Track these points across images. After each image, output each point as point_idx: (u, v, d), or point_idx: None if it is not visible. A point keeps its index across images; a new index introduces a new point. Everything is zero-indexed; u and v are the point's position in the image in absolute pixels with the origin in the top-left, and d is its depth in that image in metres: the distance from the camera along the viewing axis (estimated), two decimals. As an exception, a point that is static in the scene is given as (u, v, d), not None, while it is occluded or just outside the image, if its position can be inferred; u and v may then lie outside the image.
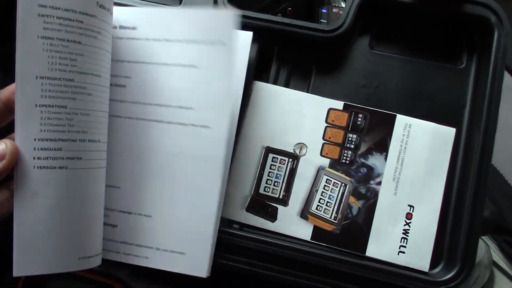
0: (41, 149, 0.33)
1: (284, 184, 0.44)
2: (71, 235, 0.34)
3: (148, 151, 0.40)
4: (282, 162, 0.45)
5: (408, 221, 0.43)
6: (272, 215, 0.44)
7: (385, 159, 0.44)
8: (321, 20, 0.55)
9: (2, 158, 0.32)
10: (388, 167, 0.44)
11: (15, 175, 0.33)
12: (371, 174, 0.44)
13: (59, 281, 0.41)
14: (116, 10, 0.39)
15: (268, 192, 0.44)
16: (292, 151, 0.45)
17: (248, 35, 0.43)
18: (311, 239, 0.43)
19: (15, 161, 0.32)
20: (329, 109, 0.45)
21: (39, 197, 0.33)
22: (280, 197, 0.44)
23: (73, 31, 0.33)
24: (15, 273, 0.32)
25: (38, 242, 0.33)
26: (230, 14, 0.39)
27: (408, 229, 0.43)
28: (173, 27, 0.40)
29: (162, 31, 0.40)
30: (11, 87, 0.35)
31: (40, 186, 0.33)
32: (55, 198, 0.33)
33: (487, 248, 0.48)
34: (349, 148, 0.45)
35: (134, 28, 0.40)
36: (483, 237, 0.50)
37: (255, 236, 0.42)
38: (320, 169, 0.44)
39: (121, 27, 0.41)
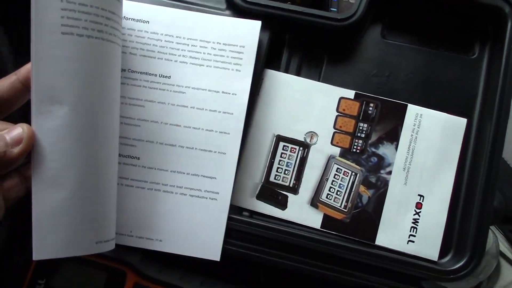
0: None
1: (294, 173, 0.44)
2: (89, 219, 0.34)
3: (166, 135, 0.42)
4: (293, 150, 0.45)
5: (418, 210, 0.43)
6: (282, 203, 0.44)
7: (396, 148, 0.44)
8: (331, 9, 0.54)
9: (19, 143, 0.31)
10: (399, 157, 0.44)
11: (32, 159, 0.33)
12: (381, 163, 0.44)
13: (70, 267, 0.41)
14: (135, 5, 0.43)
15: (279, 180, 0.44)
16: (302, 140, 0.45)
17: (256, 24, 0.43)
18: (321, 228, 0.44)
19: (31, 145, 0.32)
20: (340, 98, 0.45)
21: (58, 182, 0.33)
22: (291, 185, 0.44)
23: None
24: (35, 257, 0.32)
25: (58, 226, 0.33)
26: (255, 24, 0.43)
27: (418, 219, 0.43)
28: (196, 28, 0.43)
29: (185, 30, 0.43)
30: (29, 66, 0.35)
31: (58, 170, 0.33)
32: (75, 182, 0.33)
33: (495, 238, 0.48)
34: (360, 137, 0.45)
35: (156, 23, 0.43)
36: (490, 227, 0.51)
37: (265, 224, 0.43)
38: (330, 158, 0.44)
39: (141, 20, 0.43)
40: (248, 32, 0.43)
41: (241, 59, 0.43)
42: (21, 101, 0.36)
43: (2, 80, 0.35)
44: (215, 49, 0.43)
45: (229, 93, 0.42)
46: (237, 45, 0.43)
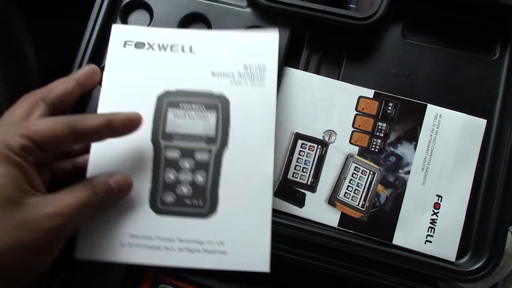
0: None
1: (312, 171, 0.45)
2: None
3: None
4: (311, 148, 0.45)
5: (435, 210, 0.43)
6: (299, 201, 0.44)
7: (415, 148, 0.44)
8: (350, 6, 0.54)
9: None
10: (417, 157, 0.44)
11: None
12: (400, 163, 0.44)
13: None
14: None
15: (297, 178, 0.45)
16: (321, 138, 0.45)
17: (274, 36, 0.44)
18: (338, 226, 0.44)
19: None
20: (359, 97, 0.45)
21: None
22: (308, 183, 0.44)
23: None
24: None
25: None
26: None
27: (436, 219, 0.43)
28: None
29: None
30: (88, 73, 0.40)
31: None
32: None
33: (513, 239, 0.48)
34: (378, 137, 0.45)
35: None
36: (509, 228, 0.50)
37: (282, 221, 0.43)
38: (349, 157, 0.45)
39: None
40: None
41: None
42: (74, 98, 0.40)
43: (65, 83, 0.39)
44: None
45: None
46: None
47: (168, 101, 0.41)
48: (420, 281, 0.42)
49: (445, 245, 0.43)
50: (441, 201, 0.43)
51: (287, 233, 0.42)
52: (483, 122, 0.44)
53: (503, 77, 0.45)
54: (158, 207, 0.40)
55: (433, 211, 0.43)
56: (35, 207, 0.30)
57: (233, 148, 0.41)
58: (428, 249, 0.43)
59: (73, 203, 0.31)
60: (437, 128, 0.44)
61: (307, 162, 0.45)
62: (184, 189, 0.40)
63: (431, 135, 0.44)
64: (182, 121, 0.41)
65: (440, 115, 0.44)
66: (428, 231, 0.43)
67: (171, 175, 0.40)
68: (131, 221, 0.38)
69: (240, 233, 0.40)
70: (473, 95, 0.45)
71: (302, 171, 0.45)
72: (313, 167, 0.45)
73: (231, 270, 0.39)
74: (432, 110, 0.45)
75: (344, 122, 0.45)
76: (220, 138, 0.41)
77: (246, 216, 0.40)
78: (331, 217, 0.44)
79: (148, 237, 0.38)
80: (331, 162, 0.45)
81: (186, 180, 0.40)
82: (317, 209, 0.44)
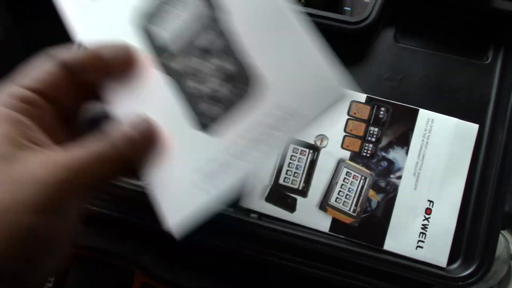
0: None
1: (304, 175, 0.44)
2: None
3: None
4: (303, 153, 0.45)
5: (427, 216, 0.43)
6: (291, 206, 0.44)
7: (406, 153, 0.44)
8: (345, 8, 0.54)
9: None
10: (409, 162, 0.44)
11: None
12: (391, 168, 0.44)
13: (79, 266, 0.41)
14: None
15: (288, 183, 0.44)
16: (313, 143, 0.45)
17: None
18: (329, 231, 0.44)
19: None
20: (351, 102, 0.45)
21: None
22: (300, 188, 0.44)
23: None
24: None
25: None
26: None
27: (427, 224, 0.43)
28: None
29: None
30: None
31: None
32: None
33: (506, 243, 0.48)
34: (370, 141, 0.44)
35: None
36: (502, 232, 0.50)
37: (273, 226, 0.43)
38: (340, 162, 0.44)
39: None
40: None
41: None
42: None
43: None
44: None
45: None
46: None
47: (146, 20, 0.33)
48: (411, 287, 0.42)
49: (436, 250, 0.43)
50: (432, 206, 0.43)
51: (278, 238, 0.42)
52: (475, 127, 0.44)
53: (495, 82, 0.45)
54: (206, 124, 0.32)
55: (424, 216, 0.43)
56: (32, 159, 0.26)
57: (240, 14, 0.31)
58: (419, 255, 0.43)
59: (82, 155, 0.27)
60: (429, 133, 0.44)
61: (298, 166, 0.45)
62: (220, 90, 0.32)
63: (423, 140, 0.44)
64: (174, 28, 0.33)
65: (432, 119, 0.44)
66: (419, 237, 0.43)
67: (195, 84, 0.32)
68: (190, 156, 0.32)
69: (298, 79, 0.30)
70: (465, 100, 0.45)
71: (294, 175, 0.45)
72: (305, 171, 0.45)
73: (315, 120, 0.29)
74: (424, 114, 0.44)
75: (335, 127, 0.45)
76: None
77: (292, 62, 0.30)
78: (322, 222, 0.44)
79: (213, 159, 0.31)
80: (322, 167, 0.44)
81: (215, 80, 0.32)
82: (308, 214, 0.44)
